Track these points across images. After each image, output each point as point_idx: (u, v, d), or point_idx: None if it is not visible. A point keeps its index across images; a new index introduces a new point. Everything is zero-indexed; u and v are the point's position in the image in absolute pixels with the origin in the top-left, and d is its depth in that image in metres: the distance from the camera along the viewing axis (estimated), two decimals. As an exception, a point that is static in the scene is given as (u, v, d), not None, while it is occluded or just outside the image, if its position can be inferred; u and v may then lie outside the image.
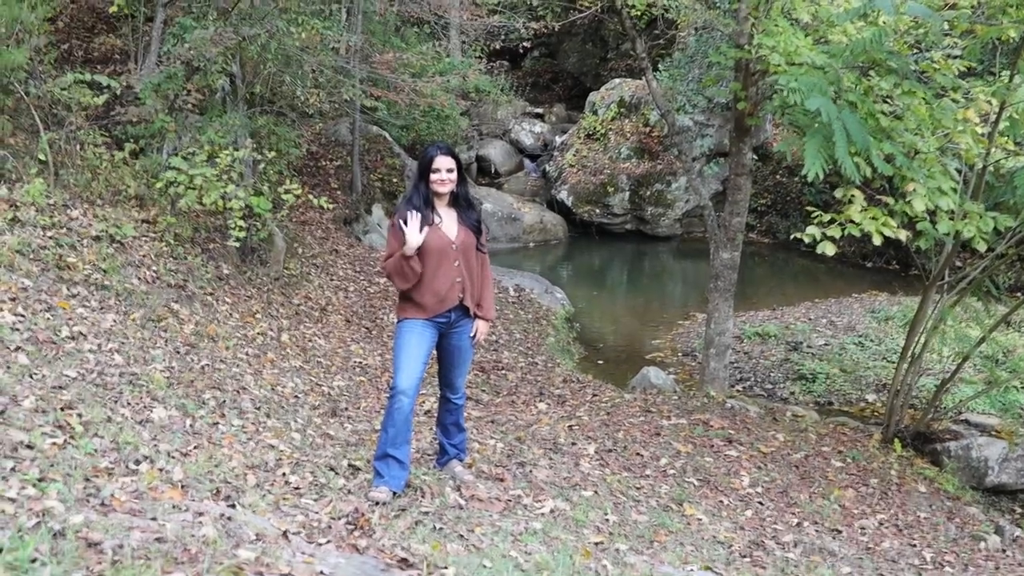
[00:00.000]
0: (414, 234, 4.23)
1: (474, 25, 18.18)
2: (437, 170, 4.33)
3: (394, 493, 4.25)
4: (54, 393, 4.13)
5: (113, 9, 8.67)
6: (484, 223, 4.66)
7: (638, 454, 5.70)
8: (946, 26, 6.08)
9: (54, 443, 3.57)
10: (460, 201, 4.48)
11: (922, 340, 6.76)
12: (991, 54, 7.44)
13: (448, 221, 4.42)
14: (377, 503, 4.11)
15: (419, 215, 4.28)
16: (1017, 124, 5.75)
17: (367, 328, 8.85)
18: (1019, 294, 10.70)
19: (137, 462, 3.76)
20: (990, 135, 5.77)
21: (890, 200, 5.44)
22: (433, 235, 4.31)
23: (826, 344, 9.92)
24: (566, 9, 17.80)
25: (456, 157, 4.42)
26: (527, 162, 19.67)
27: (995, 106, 5.81)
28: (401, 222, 4.29)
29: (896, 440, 6.71)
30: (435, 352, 4.63)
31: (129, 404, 4.47)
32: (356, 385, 6.98)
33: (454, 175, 4.37)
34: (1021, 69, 5.56)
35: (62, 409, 3.99)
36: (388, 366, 7.69)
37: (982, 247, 5.43)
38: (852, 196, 5.39)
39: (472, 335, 4.59)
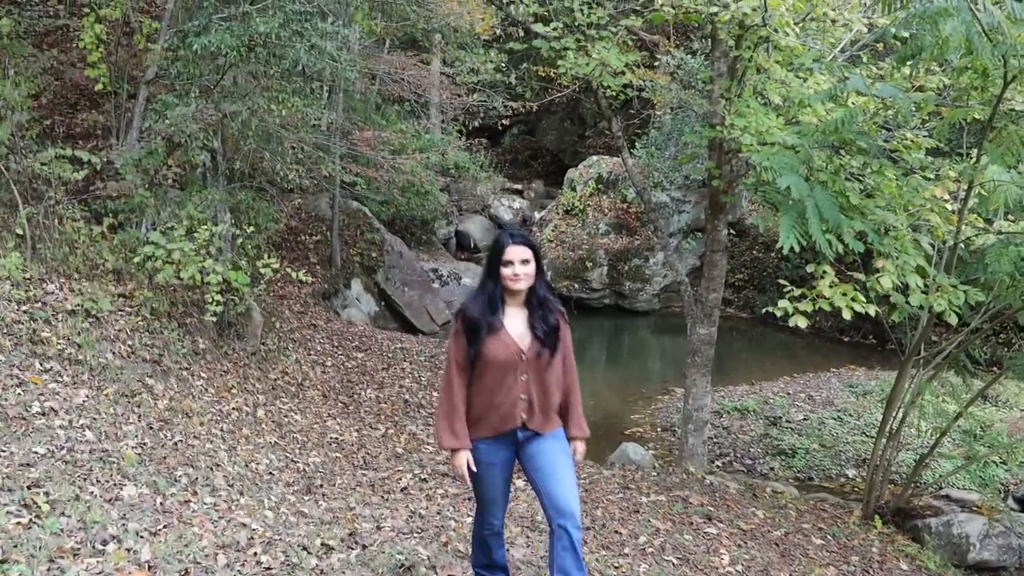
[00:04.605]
0: (463, 469, 3.71)
1: (454, 103, 18.52)
2: (510, 263, 3.50)
3: None
4: (21, 471, 4.05)
5: (99, 87, 8.77)
6: (567, 324, 3.81)
7: (616, 532, 5.62)
8: (913, 108, 6.25)
9: (19, 522, 3.49)
10: (534, 300, 3.63)
11: (900, 415, 6.77)
12: (958, 134, 7.63)
13: (519, 325, 3.60)
14: None
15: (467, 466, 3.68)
16: (986, 201, 5.87)
17: (344, 403, 8.77)
18: (995, 369, 10.79)
19: (104, 542, 3.67)
20: (960, 212, 5.89)
21: (861, 276, 5.52)
22: (497, 345, 3.53)
23: (805, 419, 9.91)
24: (544, 88, 18.22)
25: (533, 246, 3.57)
26: (506, 237, 19.82)
27: (963, 184, 5.94)
28: (464, 470, 3.70)
29: (877, 516, 6.67)
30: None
31: (98, 482, 4.38)
32: (332, 461, 6.88)
33: (530, 267, 3.53)
34: (987, 150, 5.69)
35: (29, 487, 3.91)
36: (364, 442, 7.60)
37: (953, 320, 5.49)
38: (824, 272, 5.46)
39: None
